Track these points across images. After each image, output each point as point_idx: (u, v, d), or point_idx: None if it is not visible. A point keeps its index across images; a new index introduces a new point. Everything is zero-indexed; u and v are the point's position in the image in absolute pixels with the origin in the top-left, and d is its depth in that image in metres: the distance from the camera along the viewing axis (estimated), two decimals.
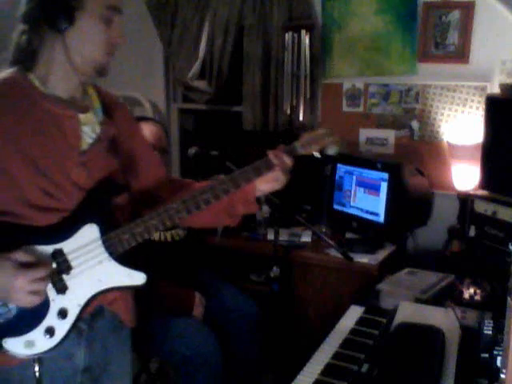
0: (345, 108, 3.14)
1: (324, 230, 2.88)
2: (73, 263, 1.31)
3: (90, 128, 1.38)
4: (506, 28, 2.70)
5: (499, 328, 1.38)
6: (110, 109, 1.46)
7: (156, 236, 2.36)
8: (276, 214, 2.46)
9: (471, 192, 2.58)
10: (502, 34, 2.70)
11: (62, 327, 1.29)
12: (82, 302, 1.32)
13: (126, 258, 1.36)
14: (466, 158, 2.71)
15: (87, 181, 1.35)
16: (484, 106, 2.55)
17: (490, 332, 1.44)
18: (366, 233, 2.80)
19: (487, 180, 2.48)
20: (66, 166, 1.34)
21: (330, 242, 2.30)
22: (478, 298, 1.90)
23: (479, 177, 2.53)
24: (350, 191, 2.87)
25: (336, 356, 1.56)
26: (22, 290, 1.20)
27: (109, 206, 1.37)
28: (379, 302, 1.94)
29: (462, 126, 2.83)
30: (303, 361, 1.54)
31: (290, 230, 2.86)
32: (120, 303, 1.47)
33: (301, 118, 3.15)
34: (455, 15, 2.78)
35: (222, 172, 2.29)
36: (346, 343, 1.64)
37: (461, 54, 2.80)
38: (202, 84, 3.46)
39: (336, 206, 2.96)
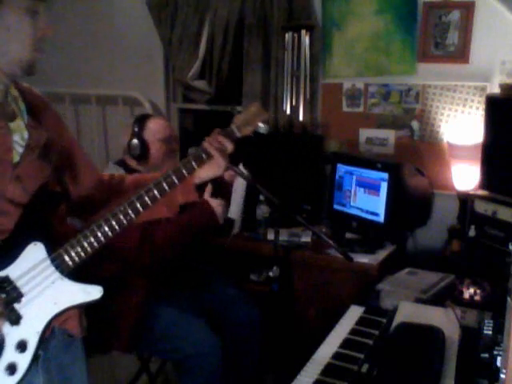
0: (345, 108, 3.14)
1: (324, 229, 2.88)
2: (23, 290, 1.20)
3: (19, 136, 1.23)
4: (506, 28, 2.70)
5: (499, 328, 1.38)
6: (36, 109, 1.31)
7: None
8: (276, 214, 2.46)
9: (471, 192, 2.58)
10: (502, 34, 2.70)
11: (24, 360, 1.20)
12: (40, 328, 1.22)
13: (79, 273, 1.27)
14: (466, 158, 2.71)
15: (23, 196, 1.22)
16: (484, 106, 2.55)
17: (490, 332, 1.44)
18: (366, 233, 2.80)
19: (487, 180, 2.48)
20: (0, 182, 1.20)
21: (330, 242, 2.30)
22: (477, 298, 1.90)
23: (479, 177, 2.53)
24: (350, 191, 2.87)
25: (336, 356, 1.56)
26: None
27: (50, 219, 1.26)
28: (379, 302, 1.94)
29: (462, 126, 2.83)
30: (303, 361, 1.54)
31: (290, 230, 2.85)
32: (71, 320, 1.37)
33: (301, 118, 3.16)
34: (455, 15, 2.78)
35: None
36: (346, 343, 1.64)
37: (461, 54, 2.80)
38: (201, 84, 3.46)
39: (336, 206, 2.96)
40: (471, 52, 2.78)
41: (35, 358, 1.23)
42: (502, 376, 1.06)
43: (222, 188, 2.59)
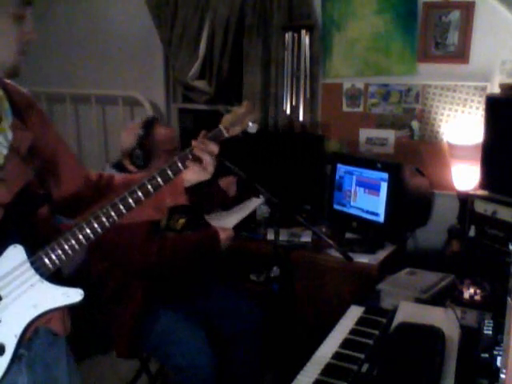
0: (345, 108, 3.14)
1: (324, 229, 2.88)
2: (1, 293, 1.19)
3: (2, 137, 1.21)
4: (506, 28, 2.69)
5: (499, 328, 1.38)
6: (20, 109, 1.28)
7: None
8: (276, 214, 2.46)
9: (471, 192, 2.58)
10: (502, 34, 2.70)
11: (1, 363, 1.19)
12: (19, 332, 1.21)
13: (59, 276, 1.26)
14: (466, 158, 2.71)
15: (6, 197, 1.19)
16: (484, 106, 2.55)
17: (490, 332, 1.44)
18: (366, 233, 2.80)
19: (487, 180, 2.48)
20: None
21: (330, 242, 2.30)
22: (477, 297, 1.90)
23: (479, 177, 2.53)
24: (350, 191, 2.87)
25: (336, 356, 1.56)
26: None
27: (31, 221, 1.23)
28: (379, 302, 1.94)
29: (462, 126, 2.83)
30: (303, 361, 1.54)
31: (290, 230, 2.86)
32: (55, 320, 1.35)
33: (301, 118, 3.16)
34: (455, 15, 2.78)
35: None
36: (346, 343, 1.64)
37: (461, 54, 2.80)
38: (201, 84, 3.46)
39: (336, 206, 2.96)
40: (471, 52, 2.78)
41: (16, 359, 1.23)
42: (502, 376, 1.06)
43: (218, 195, 2.58)
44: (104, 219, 1.28)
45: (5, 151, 1.20)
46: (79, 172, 1.46)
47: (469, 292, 1.92)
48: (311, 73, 3.11)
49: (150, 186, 1.33)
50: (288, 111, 3.18)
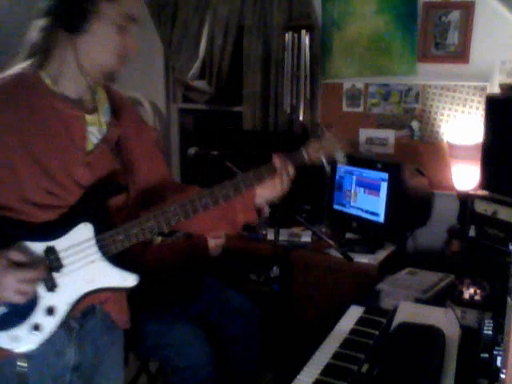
0: (345, 108, 3.14)
1: (324, 229, 2.88)
2: (64, 261, 1.30)
3: (96, 129, 1.38)
4: (506, 28, 2.70)
5: (499, 328, 1.38)
6: (118, 109, 1.46)
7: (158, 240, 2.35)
8: (276, 214, 2.46)
9: (471, 192, 2.58)
10: (502, 34, 2.70)
11: (49, 325, 1.29)
12: (71, 300, 1.31)
13: (119, 259, 1.34)
14: (466, 158, 2.71)
15: (89, 180, 1.35)
16: (484, 106, 2.55)
17: (490, 332, 1.44)
18: (366, 233, 2.80)
19: (487, 180, 2.48)
20: (71, 165, 1.33)
21: (330, 241, 2.30)
22: (477, 297, 1.90)
23: (479, 177, 2.53)
24: (350, 191, 2.87)
25: (336, 356, 1.56)
26: (10, 288, 1.20)
27: (106, 205, 1.35)
28: (379, 302, 1.94)
29: (462, 126, 2.83)
30: (303, 361, 1.54)
31: (290, 230, 2.86)
32: (112, 304, 1.46)
33: (301, 118, 3.15)
34: (455, 15, 2.78)
35: (222, 172, 2.31)
36: (346, 343, 1.64)
37: (461, 54, 2.80)
38: (201, 84, 3.46)
39: (336, 206, 2.96)
40: (471, 52, 2.78)
41: (64, 327, 1.32)
42: (502, 376, 1.06)
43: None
44: (170, 215, 1.36)
45: (96, 140, 1.38)
46: (162, 174, 1.56)
47: (469, 292, 1.92)
48: (311, 73, 3.11)
49: (219, 194, 1.40)
50: (288, 111, 3.18)
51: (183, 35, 3.40)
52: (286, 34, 3.10)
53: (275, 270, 2.36)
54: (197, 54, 3.41)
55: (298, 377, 1.46)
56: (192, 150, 2.40)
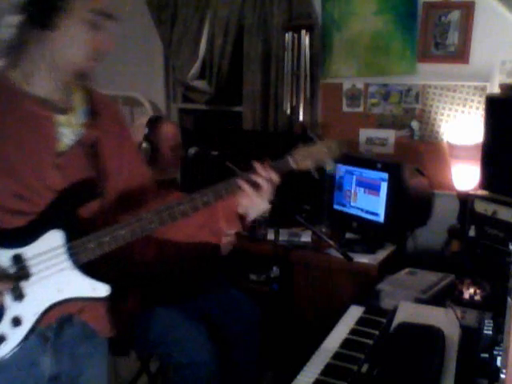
0: (345, 108, 3.14)
1: (324, 229, 2.88)
2: (32, 270, 1.24)
3: (69, 130, 1.31)
4: (506, 28, 2.70)
5: (499, 328, 1.38)
6: (98, 112, 1.39)
7: None
8: (276, 214, 2.46)
9: (471, 192, 2.58)
10: (502, 34, 2.70)
11: (15, 336, 1.23)
12: (39, 310, 1.25)
13: (90, 268, 1.29)
14: (466, 158, 2.71)
15: (61, 184, 1.28)
16: (484, 106, 2.55)
17: (490, 332, 1.44)
18: (366, 233, 2.80)
19: (487, 180, 2.47)
20: (41, 168, 1.27)
21: (330, 242, 2.30)
22: (478, 298, 1.90)
23: (479, 177, 2.53)
24: (350, 191, 2.87)
25: (336, 356, 1.56)
26: None
27: (77, 211, 1.29)
28: (379, 302, 1.94)
29: (462, 126, 2.83)
30: (303, 361, 1.54)
31: (290, 230, 2.85)
32: (88, 312, 1.39)
33: (301, 118, 3.15)
34: (455, 15, 2.78)
35: (222, 172, 2.31)
36: (346, 343, 1.64)
37: (461, 54, 2.80)
38: (201, 84, 3.47)
39: (336, 206, 2.96)
40: (471, 52, 2.78)
41: (38, 336, 1.28)
42: (502, 376, 1.06)
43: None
44: (145, 223, 1.30)
45: (69, 142, 1.31)
46: (142, 178, 1.49)
47: (469, 292, 1.92)
48: (311, 73, 3.11)
49: (199, 201, 1.33)
50: (288, 111, 3.18)
51: (183, 35, 3.40)
52: (286, 34, 3.10)
53: (275, 270, 2.36)
54: (197, 54, 3.41)
55: (297, 377, 1.46)
56: (192, 150, 2.40)
